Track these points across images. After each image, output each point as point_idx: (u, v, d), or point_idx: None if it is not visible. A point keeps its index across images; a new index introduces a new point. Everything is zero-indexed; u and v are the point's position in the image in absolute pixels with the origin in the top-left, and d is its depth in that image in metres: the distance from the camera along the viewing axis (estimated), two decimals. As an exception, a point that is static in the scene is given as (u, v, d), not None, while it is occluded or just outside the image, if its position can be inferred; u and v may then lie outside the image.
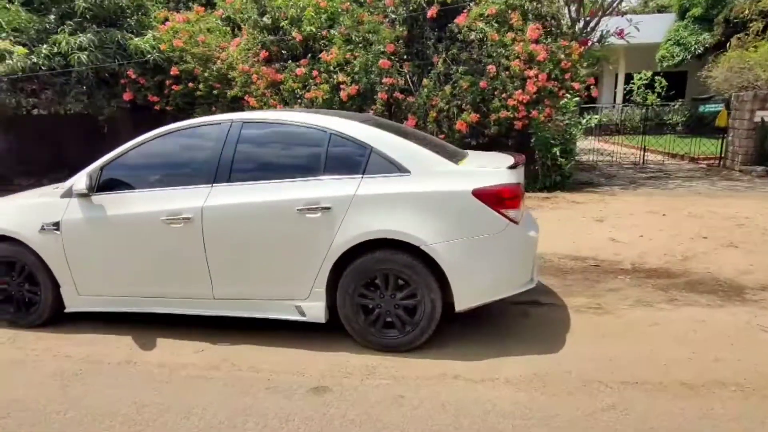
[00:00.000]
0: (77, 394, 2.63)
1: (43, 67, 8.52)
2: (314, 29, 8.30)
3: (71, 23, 8.60)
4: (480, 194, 2.74)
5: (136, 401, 2.53)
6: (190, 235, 3.01)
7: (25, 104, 8.98)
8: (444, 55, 8.17)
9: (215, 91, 8.82)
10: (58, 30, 8.54)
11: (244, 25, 8.92)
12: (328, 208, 2.84)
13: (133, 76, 8.80)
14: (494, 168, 2.89)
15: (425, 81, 8.14)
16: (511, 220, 2.79)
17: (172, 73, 8.83)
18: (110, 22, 9.03)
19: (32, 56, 8.42)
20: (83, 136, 10.30)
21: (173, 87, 8.96)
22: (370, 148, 2.93)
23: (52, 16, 8.76)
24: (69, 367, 2.92)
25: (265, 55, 8.56)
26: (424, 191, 2.81)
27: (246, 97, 8.62)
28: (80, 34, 8.48)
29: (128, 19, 9.23)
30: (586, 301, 3.68)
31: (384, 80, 8.04)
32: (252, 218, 2.98)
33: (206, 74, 8.76)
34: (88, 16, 8.67)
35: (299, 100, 8.39)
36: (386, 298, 2.89)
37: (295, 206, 2.88)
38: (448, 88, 8.06)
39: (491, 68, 7.85)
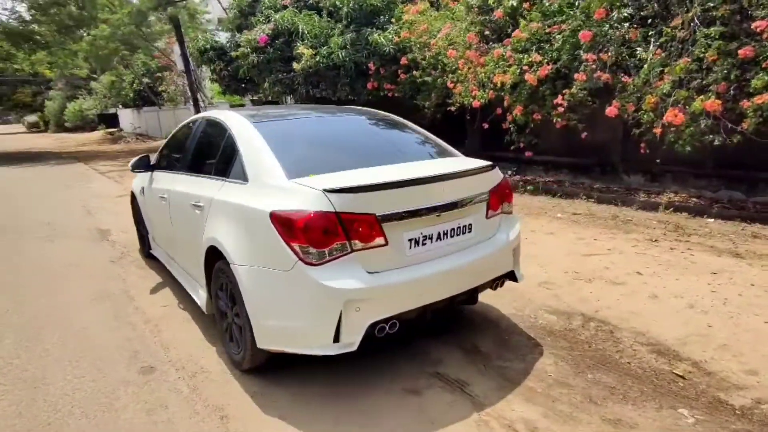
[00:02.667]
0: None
1: (321, 64, 10.95)
2: (515, 3, 7.30)
3: (339, 26, 10.63)
4: (274, 218, 2.24)
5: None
6: (163, 208, 3.70)
7: (311, 93, 11.78)
8: (693, 11, 5.68)
9: (428, 78, 9.11)
10: (332, 33, 10.73)
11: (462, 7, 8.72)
12: (201, 207, 2.94)
13: (373, 68, 10.13)
14: (312, 187, 2.24)
15: (648, 53, 5.93)
16: (299, 257, 2.16)
17: (401, 62, 9.67)
18: (366, 22, 10.60)
19: (316, 56, 10.94)
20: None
21: (401, 76, 9.80)
22: (238, 151, 2.79)
23: (330, 21, 11.04)
24: (113, 289, 4.20)
25: (471, 38, 8.18)
26: (241, 205, 2.52)
27: (449, 84, 8.54)
28: (344, 35, 10.41)
29: (380, 17, 10.57)
30: None
31: (586, 56, 6.36)
32: (181, 205, 3.38)
33: (424, 62, 9.16)
34: (349, 19, 10.48)
35: (488, 86, 7.68)
36: (229, 310, 2.78)
37: (191, 200, 3.10)
38: (682, 61, 5.62)
39: (761, 25, 4.98)
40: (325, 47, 10.77)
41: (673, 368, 2.67)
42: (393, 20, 10.32)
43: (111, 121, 34.11)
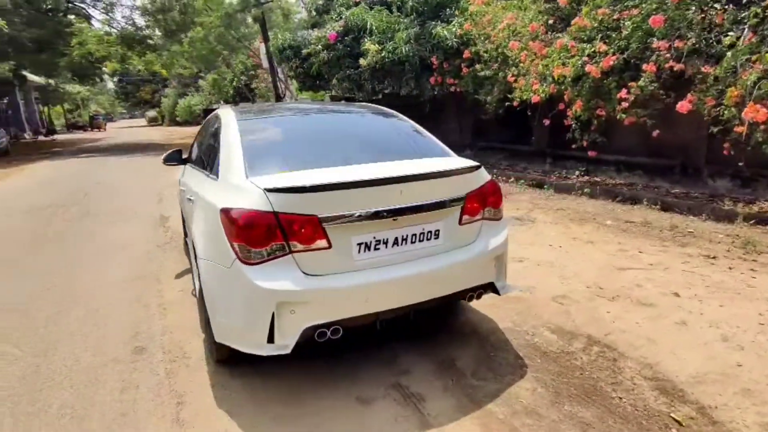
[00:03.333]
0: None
1: (387, 60, 10.95)
2: (581, -13, 6.67)
3: (405, 21, 10.53)
4: (222, 215, 2.28)
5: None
6: (183, 200, 3.94)
7: (377, 89, 11.83)
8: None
9: (489, 72, 8.70)
10: (398, 28, 10.67)
11: (528, -4, 8.17)
12: (192, 201, 3.08)
13: (436, 63, 9.91)
14: (258, 186, 2.22)
15: (736, 38, 5.09)
16: (237, 256, 2.17)
17: (464, 56, 9.34)
18: (432, 16, 10.37)
19: (382, 52, 10.96)
20: (411, 114, 12.59)
21: (464, 70, 9.47)
22: (219, 147, 2.88)
23: (398, 16, 10.97)
24: (148, 271, 4.59)
25: (534, 27, 7.64)
26: (207, 200, 2.59)
27: (509, 78, 8.08)
28: (408, 30, 10.31)
29: (446, 10, 10.29)
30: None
31: (658, 44, 5.64)
32: (184, 198, 3.55)
33: (486, 55, 8.76)
34: (415, 13, 10.33)
35: (548, 79, 7.11)
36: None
37: (188, 194, 3.27)
38: (774, 46, 4.77)
39: None
40: (390, 42, 10.75)
41: (672, 411, 2.27)
42: (458, 12, 10.00)
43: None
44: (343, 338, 2.31)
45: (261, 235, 2.14)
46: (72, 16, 17.59)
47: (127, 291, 4.07)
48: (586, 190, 6.64)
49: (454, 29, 9.54)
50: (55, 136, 32.18)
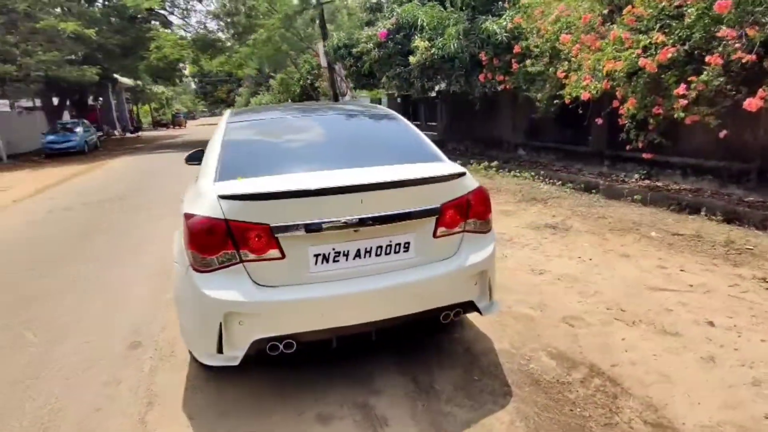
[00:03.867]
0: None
1: (436, 57, 10.69)
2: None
3: (455, 16, 10.20)
4: (184, 219, 2.26)
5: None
6: None
7: (426, 87, 11.59)
8: None
9: (540, 68, 8.18)
10: (448, 24, 10.36)
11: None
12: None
13: (485, 59, 9.50)
14: (214, 192, 2.17)
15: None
16: (190, 262, 2.14)
17: (514, 51, 8.87)
18: (483, 10, 9.95)
19: (432, 48, 10.72)
20: (461, 112, 12.28)
21: (514, 65, 8.99)
22: (206, 151, 2.89)
23: (450, 11, 10.65)
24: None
25: (587, 18, 7.04)
26: (182, 203, 2.58)
27: (559, 74, 7.53)
28: (457, 25, 9.99)
29: (498, 3, 9.82)
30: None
31: (724, 32, 4.96)
32: None
33: (536, 49, 8.25)
34: (466, 7, 9.97)
35: (599, 74, 6.52)
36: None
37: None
38: None
39: None
40: (441, 39, 10.49)
41: (666, 467, 1.94)
42: (509, 5, 9.50)
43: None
44: (319, 351, 2.21)
45: (211, 242, 2.09)
46: (154, 22, 19.07)
47: (145, 286, 4.25)
48: (637, 196, 6.02)
49: (504, 23, 9.09)
50: (140, 133, 35.09)
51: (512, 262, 4.27)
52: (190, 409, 2.44)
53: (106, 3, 19.22)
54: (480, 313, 2.48)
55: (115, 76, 27.96)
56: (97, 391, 2.66)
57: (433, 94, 13.20)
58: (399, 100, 17.73)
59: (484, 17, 9.70)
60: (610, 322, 3.10)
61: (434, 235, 2.35)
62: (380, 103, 20.38)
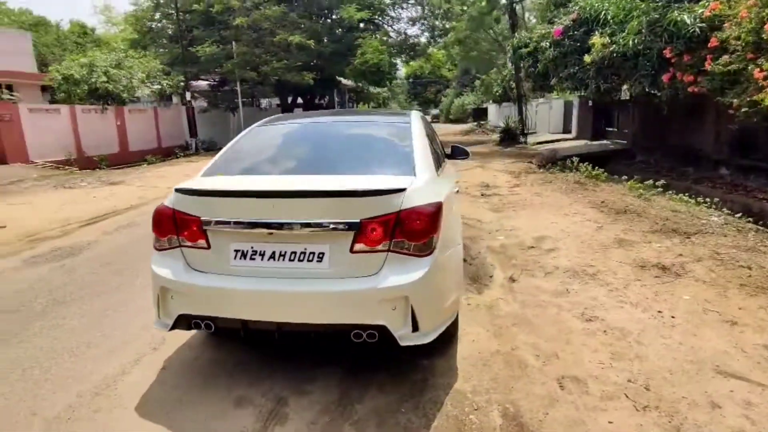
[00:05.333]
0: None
1: (615, 54, 9.32)
2: None
3: (642, 6, 8.66)
4: None
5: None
6: None
7: (602, 88, 10.14)
8: None
9: (737, 65, 6.36)
10: (632, 16, 8.89)
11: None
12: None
13: (670, 55, 7.85)
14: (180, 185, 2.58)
15: None
16: (153, 242, 2.60)
17: (710, 45, 7.11)
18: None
19: (611, 45, 9.40)
20: (652, 118, 10.29)
21: (707, 62, 7.19)
22: None
23: (637, 2, 9.09)
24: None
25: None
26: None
27: (755, 73, 5.75)
28: (641, 18, 8.50)
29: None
30: None
31: None
32: None
33: (737, 42, 6.45)
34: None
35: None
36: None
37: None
38: None
39: None
40: (622, 34, 9.11)
41: None
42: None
43: (482, 114, 38.91)
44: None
45: (162, 227, 2.50)
46: (366, 32, 21.49)
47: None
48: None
49: (698, 11, 7.34)
50: (353, 129, 39.80)
51: (568, 300, 3.61)
52: (148, 397, 2.59)
53: (330, 18, 22.47)
54: (396, 341, 2.28)
55: (338, 78, 32.49)
56: (89, 368, 3.35)
57: (626, 96, 11.50)
58: (590, 103, 15.93)
59: (677, 4, 8.00)
60: (616, 398, 2.42)
61: (351, 250, 2.28)
62: (571, 107, 18.62)
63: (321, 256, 2.30)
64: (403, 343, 2.30)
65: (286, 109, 28.25)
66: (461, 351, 2.96)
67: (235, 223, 2.32)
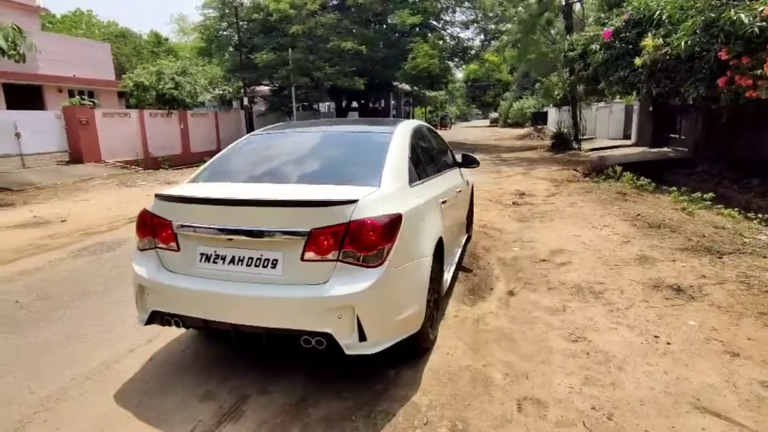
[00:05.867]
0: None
1: (669, 57, 8.72)
2: None
3: (699, 4, 8.04)
4: None
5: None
6: None
7: (653, 92, 9.49)
8: None
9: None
10: (686, 15, 8.28)
11: None
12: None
13: (726, 56, 7.22)
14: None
15: None
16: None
17: (771, 46, 6.49)
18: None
19: (665, 47, 8.81)
20: (716, 125, 9.49)
21: (767, 65, 6.56)
22: None
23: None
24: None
25: None
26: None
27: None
28: (697, 18, 7.90)
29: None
30: None
31: None
32: None
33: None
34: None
35: None
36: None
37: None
38: None
39: None
40: (676, 35, 8.53)
41: None
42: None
43: (541, 118, 37.62)
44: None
45: (141, 229, 2.71)
46: (418, 37, 21.57)
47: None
48: None
49: (758, 9, 6.71)
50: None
51: (562, 319, 3.46)
52: (119, 386, 2.81)
53: (383, 23, 22.78)
54: (342, 350, 2.32)
55: (394, 82, 32.78)
56: (82, 354, 3.65)
57: (689, 100, 10.70)
58: (651, 108, 14.95)
59: (735, 2, 7.35)
60: (573, 425, 2.31)
61: (302, 259, 2.35)
62: (631, 111, 17.56)
63: (275, 262, 2.40)
64: (348, 352, 2.34)
65: (341, 112, 28.93)
66: (432, 363, 2.94)
67: (199, 228, 2.48)
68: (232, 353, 3.11)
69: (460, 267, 4.75)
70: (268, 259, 2.41)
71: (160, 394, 2.70)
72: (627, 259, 4.71)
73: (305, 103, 30.17)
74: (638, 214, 6.52)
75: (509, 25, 19.04)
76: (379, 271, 2.35)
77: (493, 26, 20.52)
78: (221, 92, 20.57)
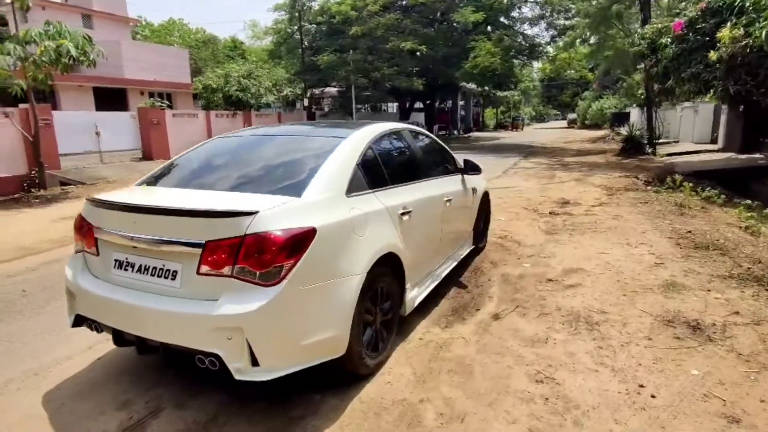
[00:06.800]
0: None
1: (751, 50, 7.55)
2: None
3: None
4: None
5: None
6: None
7: (732, 91, 8.24)
8: None
9: None
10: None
11: None
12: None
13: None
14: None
15: None
16: None
17: None
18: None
19: (746, 38, 7.66)
20: None
21: None
22: None
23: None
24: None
25: None
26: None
27: None
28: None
29: None
30: None
31: None
32: None
33: None
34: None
35: None
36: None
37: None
38: None
39: None
40: (760, 23, 7.36)
41: None
42: None
43: (622, 119, 34.81)
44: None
45: (76, 231, 2.70)
46: (481, 33, 20.76)
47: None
48: None
49: None
50: (471, 134, 38.79)
51: (538, 352, 3.00)
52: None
53: (445, 22, 22.26)
54: (231, 374, 2.13)
55: (462, 83, 32.01)
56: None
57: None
58: (741, 108, 13.13)
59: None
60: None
61: (198, 272, 2.19)
62: (720, 112, 15.57)
63: (174, 274, 2.27)
64: (238, 377, 2.14)
65: (404, 112, 28.79)
66: (366, 393, 2.66)
67: (111, 233, 2.42)
68: (168, 362, 3.04)
69: (455, 282, 4.38)
70: (169, 270, 2.28)
71: (85, 398, 2.68)
72: (650, 284, 4.05)
73: (374, 104, 30.42)
74: (689, 231, 5.65)
75: (578, 20, 17.69)
76: (274, 290, 2.13)
77: (562, 21, 19.20)
78: (285, 94, 21.28)
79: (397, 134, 3.60)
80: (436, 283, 3.83)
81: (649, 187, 9.30)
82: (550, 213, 7.30)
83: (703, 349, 2.94)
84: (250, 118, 19.34)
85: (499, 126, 49.82)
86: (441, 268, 4.01)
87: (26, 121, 11.32)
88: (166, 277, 2.29)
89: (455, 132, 37.06)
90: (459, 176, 4.45)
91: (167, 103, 18.00)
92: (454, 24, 21.60)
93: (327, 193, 2.51)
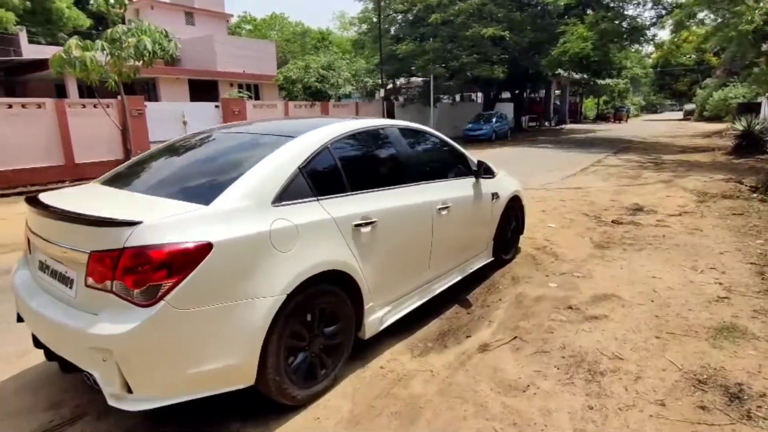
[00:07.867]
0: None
1: None
2: None
3: None
4: None
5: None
6: None
7: None
8: None
9: None
10: None
11: None
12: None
13: None
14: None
15: None
16: None
17: None
18: None
19: None
20: None
21: None
22: None
23: None
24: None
25: None
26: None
27: None
28: None
29: None
30: None
31: None
32: None
33: None
34: None
35: None
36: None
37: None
38: None
39: None
40: None
41: None
42: None
43: (750, 111, 29.95)
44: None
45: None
46: (574, 17, 18.83)
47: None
48: None
49: None
50: (564, 126, 35.88)
51: (507, 405, 2.46)
52: None
53: (533, 6, 20.59)
54: (107, 402, 1.94)
55: (558, 71, 29.65)
56: None
57: None
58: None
59: None
60: None
61: (85, 284, 2.02)
62: None
63: (72, 282, 2.13)
64: (112, 403, 1.95)
65: (489, 103, 27.45)
66: (289, 427, 2.36)
67: (32, 233, 2.36)
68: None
69: (460, 299, 3.89)
70: (67, 277, 2.15)
71: (22, 395, 2.70)
72: (698, 326, 3.21)
73: (455, 95, 29.44)
74: (782, 256, 4.49)
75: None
76: (147, 312, 1.89)
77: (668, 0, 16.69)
78: (364, 84, 21.33)
79: (373, 133, 3.18)
80: (424, 300, 3.39)
81: (754, 195, 7.72)
82: (612, 222, 6.32)
83: (734, 430, 2.19)
84: (328, 108, 19.65)
85: (600, 117, 45.65)
86: (437, 283, 3.55)
87: (122, 113, 12.56)
88: (65, 284, 2.17)
89: (546, 123, 34.65)
90: (470, 180, 3.92)
91: (249, 93, 18.92)
92: (546, 7, 19.92)
93: (243, 202, 2.21)
